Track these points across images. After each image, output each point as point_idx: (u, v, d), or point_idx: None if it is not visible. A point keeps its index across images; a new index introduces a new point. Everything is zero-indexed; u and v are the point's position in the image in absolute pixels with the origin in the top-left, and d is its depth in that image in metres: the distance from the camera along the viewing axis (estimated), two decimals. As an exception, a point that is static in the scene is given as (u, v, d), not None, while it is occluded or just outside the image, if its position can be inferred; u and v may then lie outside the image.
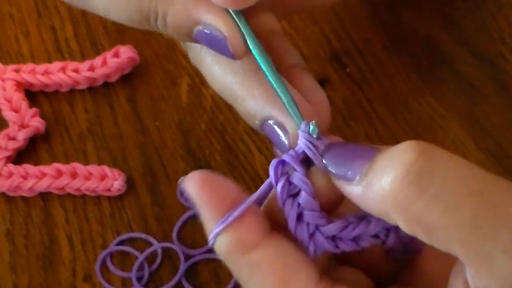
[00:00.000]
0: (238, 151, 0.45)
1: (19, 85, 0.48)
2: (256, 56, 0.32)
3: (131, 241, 0.42)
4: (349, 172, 0.27)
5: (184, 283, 0.41)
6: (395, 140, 0.45)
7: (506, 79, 0.48)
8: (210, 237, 0.28)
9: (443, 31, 0.50)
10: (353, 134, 0.46)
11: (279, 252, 0.28)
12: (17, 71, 0.48)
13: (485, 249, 0.24)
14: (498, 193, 0.25)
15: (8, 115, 0.47)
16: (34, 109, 0.47)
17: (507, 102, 0.47)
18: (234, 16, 0.32)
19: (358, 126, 0.46)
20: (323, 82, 0.48)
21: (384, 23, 0.51)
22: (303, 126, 0.30)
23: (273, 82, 0.31)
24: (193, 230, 0.43)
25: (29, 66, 0.49)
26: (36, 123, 0.46)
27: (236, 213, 0.28)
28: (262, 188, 0.29)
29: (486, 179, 0.25)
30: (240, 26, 0.32)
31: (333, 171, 0.28)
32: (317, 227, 0.28)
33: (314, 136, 0.29)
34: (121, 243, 0.42)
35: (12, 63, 0.50)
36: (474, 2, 0.52)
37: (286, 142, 0.31)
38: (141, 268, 0.41)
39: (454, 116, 0.46)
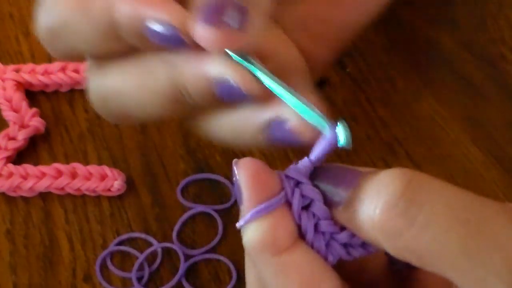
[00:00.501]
0: (238, 151, 0.45)
1: (19, 85, 0.48)
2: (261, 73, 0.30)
3: (131, 241, 0.42)
4: (334, 198, 0.27)
5: (184, 283, 0.41)
6: (395, 140, 0.45)
7: (506, 79, 0.48)
8: (242, 221, 0.28)
9: (443, 31, 0.50)
10: (353, 134, 0.46)
11: (307, 259, 0.28)
12: (17, 71, 0.48)
13: (478, 275, 0.24)
14: (486, 219, 0.25)
15: (8, 115, 0.47)
16: (34, 109, 0.47)
17: (507, 102, 0.47)
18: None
19: (358, 126, 0.46)
20: (323, 82, 0.48)
21: (384, 23, 0.51)
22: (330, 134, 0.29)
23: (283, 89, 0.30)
24: (193, 230, 0.43)
25: (29, 66, 0.49)
26: (36, 123, 0.46)
27: (267, 204, 0.28)
28: (279, 197, 0.29)
29: (474, 206, 0.25)
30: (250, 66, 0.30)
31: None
32: (332, 236, 0.28)
33: (347, 147, 0.29)
34: (121, 243, 0.42)
35: (12, 63, 0.50)
36: (474, 2, 0.52)
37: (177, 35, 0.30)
38: (141, 268, 0.41)
39: (454, 116, 0.46)
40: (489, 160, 0.44)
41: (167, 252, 0.42)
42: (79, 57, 0.35)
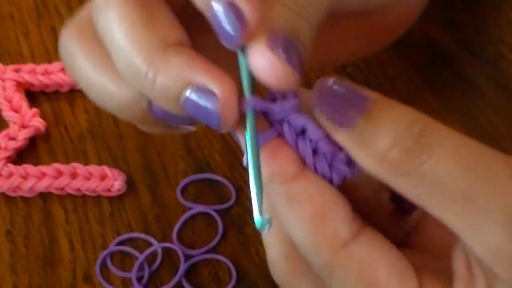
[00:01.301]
0: (238, 151, 0.45)
1: (19, 85, 0.48)
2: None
3: (131, 241, 0.42)
4: (342, 119, 0.27)
5: (184, 283, 0.41)
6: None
7: (506, 79, 0.48)
8: (245, 158, 0.28)
9: (443, 31, 0.50)
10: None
11: (317, 186, 0.28)
12: (17, 71, 0.49)
13: (476, 219, 0.25)
14: (489, 168, 0.26)
15: (8, 115, 0.47)
16: (34, 109, 0.47)
17: (507, 102, 0.47)
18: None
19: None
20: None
21: (384, 23, 0.51)
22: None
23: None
24: (193, 230, 0.43)
25: (29, 66, 0.49)
26: (36, 123, 0.46)
27: (261, 136, 0.28)
28: (271, 131, 0.28)
29: (480, 154, 0.26)
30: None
31: (324, 112, 0.27)
32: (333, 156, 0.28)
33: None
34: (121, 243, 0.42)
35: (12, 63, 0.50)
36: (474, 2, 0.52)
37: (217, 110, 0.27)
38: (141, 268, 0.41)
39: (454, 116, 0.46)
40: (489, 160, 0.44)
41: (167, 252, 0.42)
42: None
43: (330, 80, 0.27)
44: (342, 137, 0.27)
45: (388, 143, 0.26)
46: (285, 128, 0.28)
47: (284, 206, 0.28)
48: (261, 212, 0.27)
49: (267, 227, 0.27)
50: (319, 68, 0.38)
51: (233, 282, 0.40)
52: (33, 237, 0.43)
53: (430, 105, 0.47)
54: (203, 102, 0.27)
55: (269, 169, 0.28)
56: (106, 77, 0.30)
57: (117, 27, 0.28)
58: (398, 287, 0.27)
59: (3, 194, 0.44)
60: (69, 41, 0.32)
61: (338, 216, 0.27)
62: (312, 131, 0.28)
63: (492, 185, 0.25)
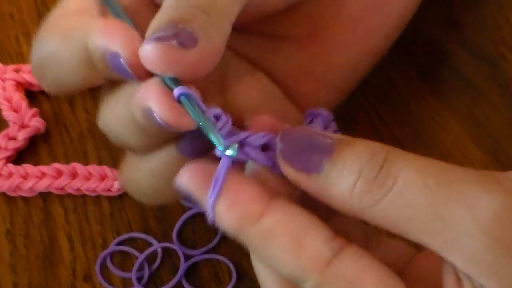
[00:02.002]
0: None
1: (19, 85, 0.48)
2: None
3: (131, 241, 0.42)
4: (309, 167, 0.27)
5: (184, 283, 0.41)
6: (395, 140, 0.45)
7: (506, 79, 0.48)
8: (209, 211, 0.28)
9: (443, 31, 0.50)
10: (353, 134, 0.46)
11: (288, 214, 0.28)
12: (17, 71, 0.48)
13: (452, 236, 0.26)
14: (454, 183, 0.26)
15: (8, 115, 0.47)
16: (34, 109, 0.47)
17: (507, 102, 0.47)
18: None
19: (358, 126, 0.46)
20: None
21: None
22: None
23: None
24: (193, 230, 0.43)
25: (29, 66, 0.49)
26: (36, 123, 0.46)
27: (220, 177, 0.28)
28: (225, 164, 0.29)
29: (443, 171, 0.26)
30: None
31: (289, 163, 0.28)
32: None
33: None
34: (121, 243, 0.42)
35: (12, 63, 0.50)
36: (474, 2, 0.52)
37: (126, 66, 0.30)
38: (141, 268, 0.41)
39: (454, 116, 0.46)
40: (488, 159, 0.44)
41: (167, 252, 0.42)
42: (67, 91, 0.36)
43: (293, 130, 0.28)
44: (310, 183, 0.28)
45: (354, 177, 0.27)
46: (253, 153, 0.29)
47: (262, 245, 0.28)
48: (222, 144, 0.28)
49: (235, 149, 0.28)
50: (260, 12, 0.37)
51: (233, 282, 0.40)
52: (33, 237, 0.43)
53: (430, 105, 0.47)
54: (116, 63, 0.30)
55: (235, 215, 0.28)
56: None
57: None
58: None
59: (3, 194, 0.44)
60: None
61: (316, 238, 0.27)
62: (251, 138, 0.29)
63: (458, 198, 0.26)
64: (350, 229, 0.30)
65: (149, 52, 0.28)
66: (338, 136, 0.28)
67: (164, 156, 0.33)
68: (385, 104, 0.47)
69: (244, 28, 0.37)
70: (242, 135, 0.29)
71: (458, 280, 0.27)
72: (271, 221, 0.28)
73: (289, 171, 0.28)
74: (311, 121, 0.31)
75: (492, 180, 0.26)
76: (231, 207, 0.28)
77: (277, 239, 0.27)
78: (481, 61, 0.49)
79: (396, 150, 0.27)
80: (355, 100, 0.47)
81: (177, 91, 0.29)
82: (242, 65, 0.38)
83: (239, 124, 0.31)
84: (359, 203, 0.27)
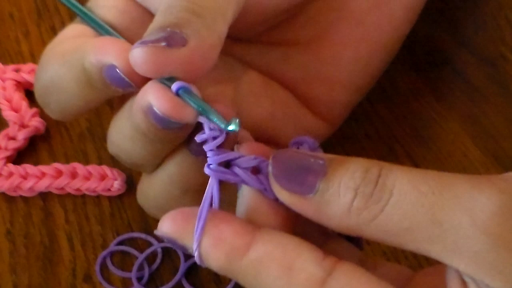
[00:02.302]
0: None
1: (19, 85, 0.48)
2: None
3: (131, 241, 0.42)
4: (303, 188, 0.27)
5: (184, 283, 0.41)
6: (395, 140, 0.45)
7: (506, 79, 0.48)
8: (196, 256, 0.28)
9: (443, 31, 0.50)
10: (353, 134, 0.46)
11: (274, 241, 0.28)
12: (17, 71, 0.49)
13: (452, 240, 0.26)
14: (448, 188, 0.26)
15: (8, 115, 0.47)
16: (34, 109, 0.47)
17: (507, 102, 0.47)
18: None
19: (358, 126, 0.46)
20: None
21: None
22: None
23: None
24: (193, 230, 0.43)
25: (29, 66, 0.49)
26: (36, 123, 0.46)
27: (202, 217, 0.28)
28: (211, 192, 0.29)
29: (436, 179, 0.27)
30: None
31: (283, 186, 0.28)
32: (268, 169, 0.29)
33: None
34: (121, 243, 0.42)
35: (12, 63, 0.50)
36: (474, 2, 0.52)
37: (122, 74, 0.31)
38: (141, 268, 0.41)
39: (454, 116, 0.46)
40: (488, 159, 0.44)
41: (167, 252, 0.42)
42: (71, 115, 0.36)
43: (284, 153, 0.28)
44: (305, 205, 0.28)
45: (351, 195, 0.27)
46: (244, 175, 0.29)
47: (253, 277, 0.28)
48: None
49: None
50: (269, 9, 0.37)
51: (233, 282, 0.40)
52: (33, 237, 0.43)
53: (430, 105, 0.47)
54: (114, 76, 0.31)
55: (222, 251, 0.28)
56: None
57: None
58: None
59: (3, 194, 0.44)
60: None
61: (307, 260, 0.27)
62: (242, 161, 0.29)
63: (454, 202, 0.26)
64: (344, 255, 0.29)
65: (137, 55, 0.29)
66: (328, 156, 0.28)
67: (180, 160, 0.33)
68: (385, 104, 0.47)
69: (254, 38, 0.38)
70: (232, 154, 0.29)
71: (463, 283, 0.27)
72: (258, 251, 0.27)
73: (283, 194, 0.28)
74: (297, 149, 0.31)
75: (485, 181, 0.26)
76: (216, 244, 0.28)
77: (267, 268, 0.27)
78: (481, 61, 0.49)
79: (387, 165, 0.27)
80: (355, 100, 0.47)
81: (175, 86, 0.29)
82: (254, 77, 0.38)
83: (255, 137, 0.32)
84: (357, 220, 0.27)
